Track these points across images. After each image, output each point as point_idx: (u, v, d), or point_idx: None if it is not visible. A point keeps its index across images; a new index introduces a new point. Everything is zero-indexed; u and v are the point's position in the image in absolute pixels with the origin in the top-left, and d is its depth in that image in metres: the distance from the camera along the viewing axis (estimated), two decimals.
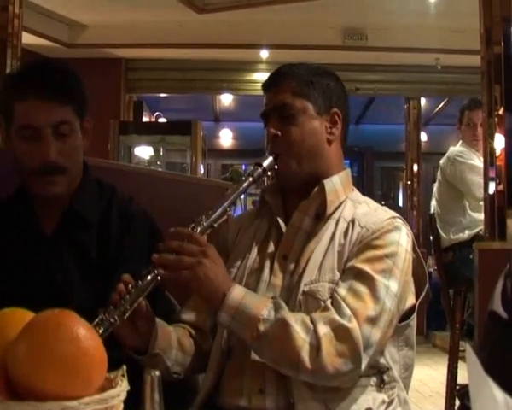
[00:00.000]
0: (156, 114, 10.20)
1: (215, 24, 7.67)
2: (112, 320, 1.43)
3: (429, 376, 5.88)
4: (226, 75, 8.92)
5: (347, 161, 8.96)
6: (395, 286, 1.52)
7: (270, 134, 1.68)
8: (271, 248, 1.68)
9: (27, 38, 5.98)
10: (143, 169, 4.70)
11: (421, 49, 7.79)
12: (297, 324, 1.46)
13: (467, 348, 0.61)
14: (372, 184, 12.28)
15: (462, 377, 3.99)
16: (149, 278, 1.47)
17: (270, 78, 1.74)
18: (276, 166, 1.66)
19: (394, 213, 1.65)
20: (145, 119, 9.72)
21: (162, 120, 10.14)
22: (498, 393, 0.60)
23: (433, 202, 4.53)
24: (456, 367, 3.96)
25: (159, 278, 1.47)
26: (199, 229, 1.53)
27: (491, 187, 3.84)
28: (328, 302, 1.51)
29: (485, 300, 1.19)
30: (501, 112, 3.83)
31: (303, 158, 1.66)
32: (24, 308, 1.04)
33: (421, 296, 1.66)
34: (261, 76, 8.72)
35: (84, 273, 1.76)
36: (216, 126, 12.39)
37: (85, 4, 7.25)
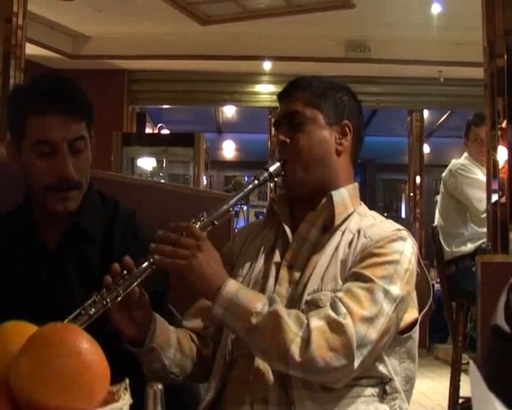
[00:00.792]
0: (159, 125, 10.23)
1: (218, 36, 7.71)
2: (104, 302, 1.45)
3: (432, 388, 5.86)
4: (229, 87, 8.94)
5: None
6: (395, 291, 1.51)
7: (279, 140, 1.70)
8: (277, 257, 1.68)
9: (31, 50, 6.01)
10: (146, 181, 4.70)
11: (423, 62, 7.81)
12: (290, 318, 1.46)
13: (470, 365, 0.61)
14: (374, 195, 12.27)
15: (465, 390, 3.98)
16: (144, 265, 1.49)
17: (284, 88, 1.75)
18: (282, 173, 1.67)
19: (400, 226, 1.64)
20: (148, 130, 9.73)
21: (165, 131, 10.17)
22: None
23: (437, 215, 4.53)
24: (459, 380, 3.95)
25: (153, 267, 1.48)
26: (199, 224, 1.54)
27: (494, 199, 3.85)
28: (327, 304, 1.51)
29: (488, 313, 1.19)
30: (504, 125, 3.84)
31: (310, 166, 1.67)
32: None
33: (424, 310, 1.66)
34: (264, 88, 8.75)
35: (88, 287, 1.75)
36: (219, 138, 12.42)
37: (89, 16, 7.29)
